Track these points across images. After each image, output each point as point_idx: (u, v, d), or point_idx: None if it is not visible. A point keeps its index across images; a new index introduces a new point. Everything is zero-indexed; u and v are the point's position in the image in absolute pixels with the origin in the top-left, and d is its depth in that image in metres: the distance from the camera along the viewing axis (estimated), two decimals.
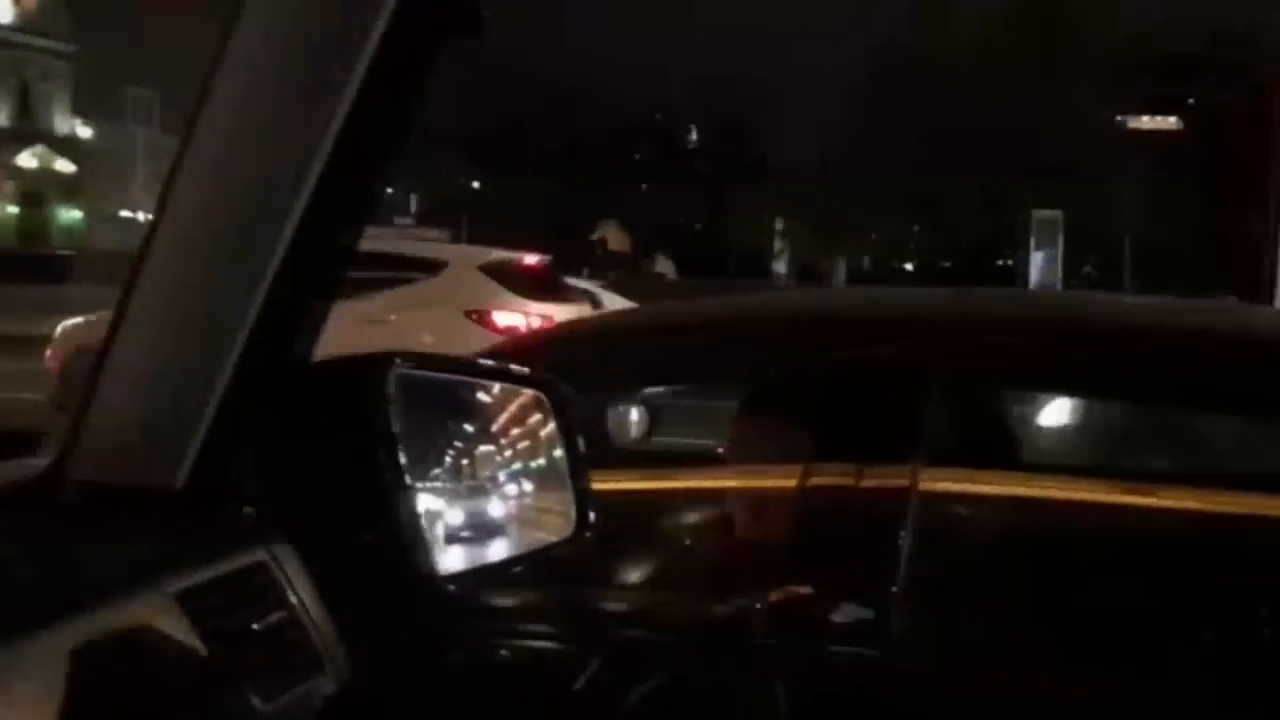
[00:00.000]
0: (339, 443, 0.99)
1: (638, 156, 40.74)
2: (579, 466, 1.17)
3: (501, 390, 1.18)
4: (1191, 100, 39.93)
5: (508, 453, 1.15)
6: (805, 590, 1.92)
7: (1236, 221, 35.44)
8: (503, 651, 1.61)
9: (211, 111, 0.90)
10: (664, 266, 21.13)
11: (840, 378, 1.64)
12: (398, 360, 1.00)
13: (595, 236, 19.76)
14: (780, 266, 34.68)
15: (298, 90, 0.90)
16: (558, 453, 1.17)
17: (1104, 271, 34.16)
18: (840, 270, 34.54)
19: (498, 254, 9.67)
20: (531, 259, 9.64)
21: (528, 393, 1.18)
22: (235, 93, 0.90)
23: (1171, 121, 38.47)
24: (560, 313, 9.35)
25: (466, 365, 1.25)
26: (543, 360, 1.59)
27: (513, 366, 1.26)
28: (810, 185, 32.46)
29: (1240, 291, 20.32)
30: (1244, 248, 33.39)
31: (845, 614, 1.59)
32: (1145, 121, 38.13)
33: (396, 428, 0.96)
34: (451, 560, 1.05)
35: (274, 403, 0.98)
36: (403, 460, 0.96)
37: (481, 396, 1.16)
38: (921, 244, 38.16)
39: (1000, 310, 2.02)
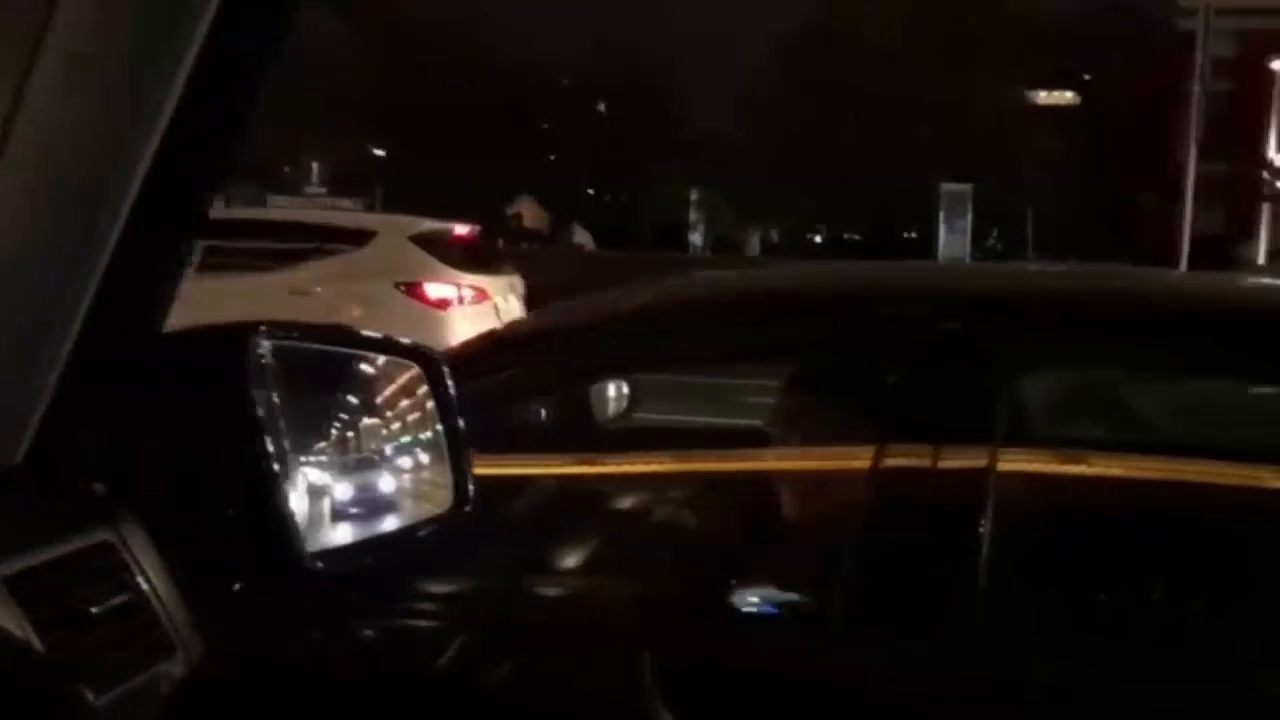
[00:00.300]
0: (199, 416, 0.95)
1: (546, 126, 40.36)
2: (458, 440, 1.15)
3: (382, 362, 1.15)
4: (1087, 76, 40.98)
5: (390, 427, 1.12)
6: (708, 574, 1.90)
7: (1134, 193, 36.65)
8: (366, 631, 1.57)
9: (45, 66, 0.80)
10: (582, 238, 20.98)
11: (915, 355, 1.58)
12: (263, 329, 0.96)
13: (512, 211, 19.52)
14: (696, 238, 34.76)
15: (139, 43, 0.82)
16: (438, 426, 1.14)
17: (1007, 243, 34.94)
18: (754, 242, 34.80)
19: (428, 224, 9.46)
20: (462, 229, 9.46)
21: (406, 364, 1.15)
22: (71, 45, 0.80)
23: (1069, 96, 39.37)
24: (492, 284, 9.20)
25: (341, 335, 1.22)
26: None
27: (391, 337, 1.20)
28: (724, 156, 32.56)
29: (1139, 261, 20.93)
30: (1141, 218, 34.65)
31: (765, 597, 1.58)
32: (1044, 96, 38.96)
33: (261, 399, 0.93)
34: (328, 537, 1.02)
35: (125, 376, 0.93)
36: (276, 434, 0.93)
37: (363, 368, 1.13)
38: (832, 216, 38.58)
39: (1073, 286, 1.99)
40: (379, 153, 37.81)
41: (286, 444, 0.95)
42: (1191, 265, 17.18)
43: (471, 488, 1.14)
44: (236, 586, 1.00)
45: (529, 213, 19.75)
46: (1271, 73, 22.11)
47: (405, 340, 1.19)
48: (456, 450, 1.14)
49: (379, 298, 8.63)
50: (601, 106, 42.26)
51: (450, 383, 1.16)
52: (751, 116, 32.84)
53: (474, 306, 8.79)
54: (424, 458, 1.14)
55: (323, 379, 1.07)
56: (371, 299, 8.64)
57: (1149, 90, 36.12)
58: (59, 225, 0.85)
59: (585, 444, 3.06)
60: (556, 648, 1.59)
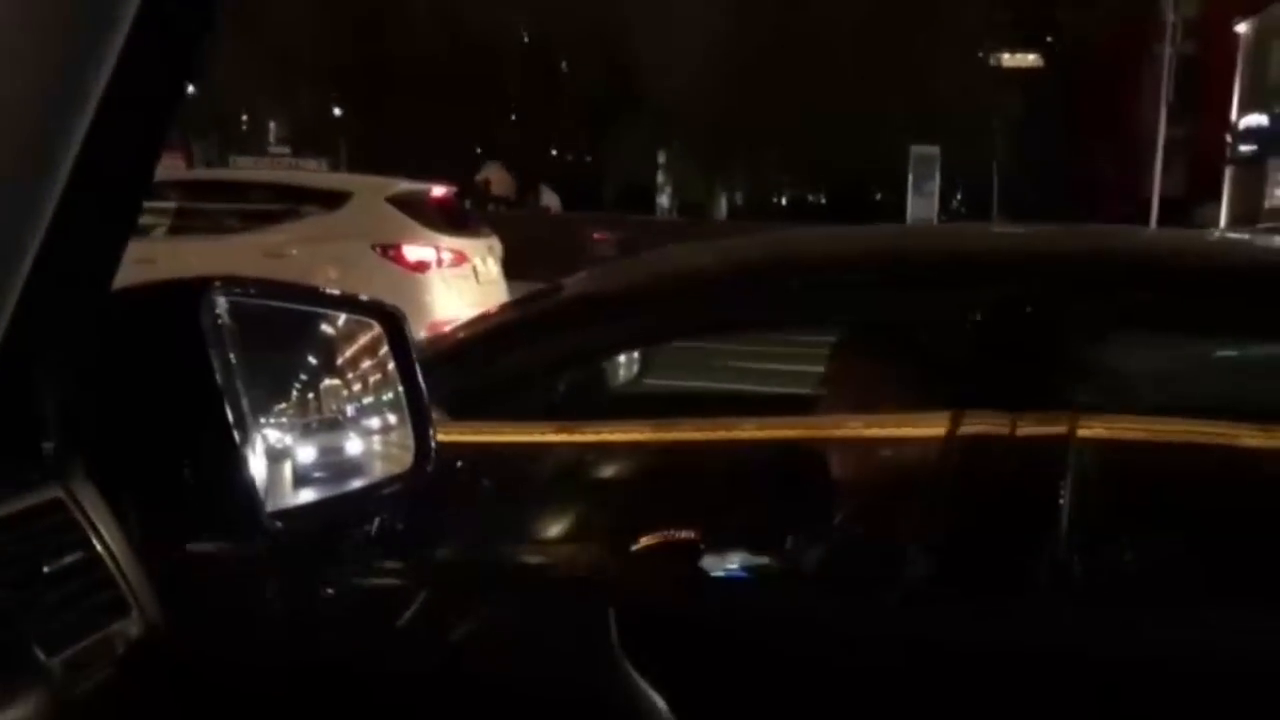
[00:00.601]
0: (151, 373, 0.94)
1: (509, 87, 39.90)
2: (419, 399, 1.14)
3: (343, 320, 1.13)
4: (1049, 38, 41.12)
5: (351, 387, 1.11)
6: (683, 536, 1.88)
7: (1097, 156, 36.91)
8: (327, 589, 1.55)
9: None
10: (549, 199, 20.78)
11: (988, 320, 1.54)
12: (217, 284, 0.94)
13: (480, 178, 19.34)
14: (664, 200, 34.61)
15: (77, 1, 0.78)
16: (399, 386, 1.13)
17: (971, 205, 35.10)
18: (721, 205, 34.69)
19: (405, 185, 9.29)
20: (439, 190, 9.30)
21: (367, 322, 1.13)
22: (6, 6, 0.76)
23: (1032, 58, 39.51)
24: (471, 246, 9.08)
25: (300, 292, 1.19)
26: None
27: (351, 294, 1.19)
28: (691, 118, 32.37)
29: (1105, 221, 21.07)
30: (1105, 181, 34.91)
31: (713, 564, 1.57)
32: (1008, 58, 39.07)
33: (218, 356, 0.91)
34: (288, 498, 1.00)
35: (73, 333, 0.92)
36: (233, 393, 0.92)
37: (324, 327, 1.12)
38: (799, 179, 38.55)
39: (1143, 249, 1.95)
40: (338, 112, 37.27)
41: (245, 404, 0.93)
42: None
43: (433, 446, 1.13)
44: (194, 546, 1.00)
45: (496, 179, 19.55)
46: (1235, 35, 22.24)
47: (366, 297, 1.17)
48: (417, 410, 1.14)
49: (356, 260, 8.49)
50: (565, 66, 41.85)
51: (411, 340, 1.14)
52: (716, 79, 32.64)
53: (453, 269, 8.67)
54: (386, 418, 1.13)
55: (281, 337, 1.05)
56: (348, 261, 8.49)
57: (1113, 53, 36.32)
58: (4, 179, 0.80)
59: (600, 411, 3.03)
60: (523, 605, 1.60)
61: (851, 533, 1.71)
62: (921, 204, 23.14)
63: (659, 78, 33.30)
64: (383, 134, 32.48)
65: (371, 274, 8.48)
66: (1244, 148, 24.10)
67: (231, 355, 0.92)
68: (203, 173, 17.43)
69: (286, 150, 28.00)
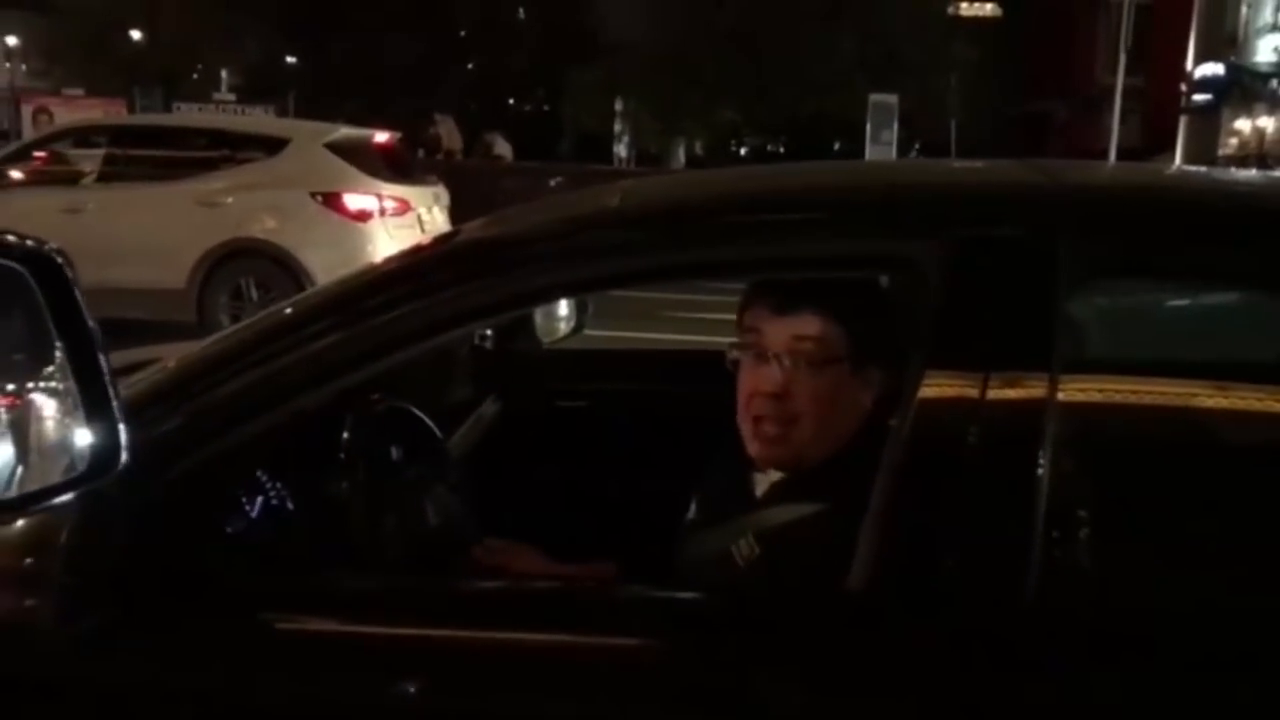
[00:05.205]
0: None
1: (463, 34, 39.09)
2: (93, 370, 0.84)
3: None
4: None
5: (10, 358, 0.87)
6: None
7: (1052, 104, 36.86)
8: None
9: None
10: (502, 149, 20.32)
11: (957, 263, 1.32)
12: None
13: (431, 131, 18.86)
14: (621, 149, 34.09)
15: None
16: (58, 352, 0.84)
17: (930, 154, 34.94)
18: (679, 154, 34.24)
19: (345, 131, 8.96)
20: (382, 136, 8.98)
21: (6, 267, 0.85)
22: None
23: (990, 8, 39.31)
24: (416, 194, 8.78)
25: None
26: None
27: None
28: (648, 67, 31.89)
29: None
30: (1059, 129, 34.85)
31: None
32: (966, 7, 38.85)
33: None
34: None
35: None
36: None
37: None
38: (757, 128, 38.18)
39: (1145, 183, 1.74)
40: (290, 60, 36.35)
41: None
42: None
43: (122, 436, 0.85)
44: None
45: (446, 132, 19.08)
46: None
47: (2, 234, 0.89)
48: (91, 385, 0.84)
49: (294, 209, 8.18)
50: (521, 13, 41.06)
51: (76, 291, 0.85)
52: (673, 25, 32.16)
53: (396, 219, 8.38)
54: (53, 402, 0.85)
55: None
56: (286, 210, 8.18)
57: (1068, 2, 36.18)
58: None
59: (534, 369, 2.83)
60: None
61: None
62: (880, 152, 22.96)
63: (617, 25, 32.82)
64: (332, 82, 31.75)
65: (310, 223, 8.18)
66: (1198, 97, 24.10)
67: None
68: (135, 118, 16.88)
69: (231, 98, 27.23)
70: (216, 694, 1.32)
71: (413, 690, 1.30)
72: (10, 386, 0.88)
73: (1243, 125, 27.21)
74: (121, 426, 0.85)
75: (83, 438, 0.86)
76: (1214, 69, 22.66)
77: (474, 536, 1.87)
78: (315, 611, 1.37)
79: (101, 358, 0.85)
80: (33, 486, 0.88)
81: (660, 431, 2.33)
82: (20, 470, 0.87)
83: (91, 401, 0.85)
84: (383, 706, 1.31)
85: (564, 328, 2.94)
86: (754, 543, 1.49)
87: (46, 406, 0.89)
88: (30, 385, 0.89)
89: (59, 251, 0.86)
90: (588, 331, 2.95)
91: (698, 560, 1.59)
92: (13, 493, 0.87)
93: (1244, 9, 26.33)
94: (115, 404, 0.85)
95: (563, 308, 2.91)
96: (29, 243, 0.87)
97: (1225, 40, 25.03)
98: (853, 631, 1.26)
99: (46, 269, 0.85)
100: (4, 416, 0.86)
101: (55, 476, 0.88)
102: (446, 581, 1.55)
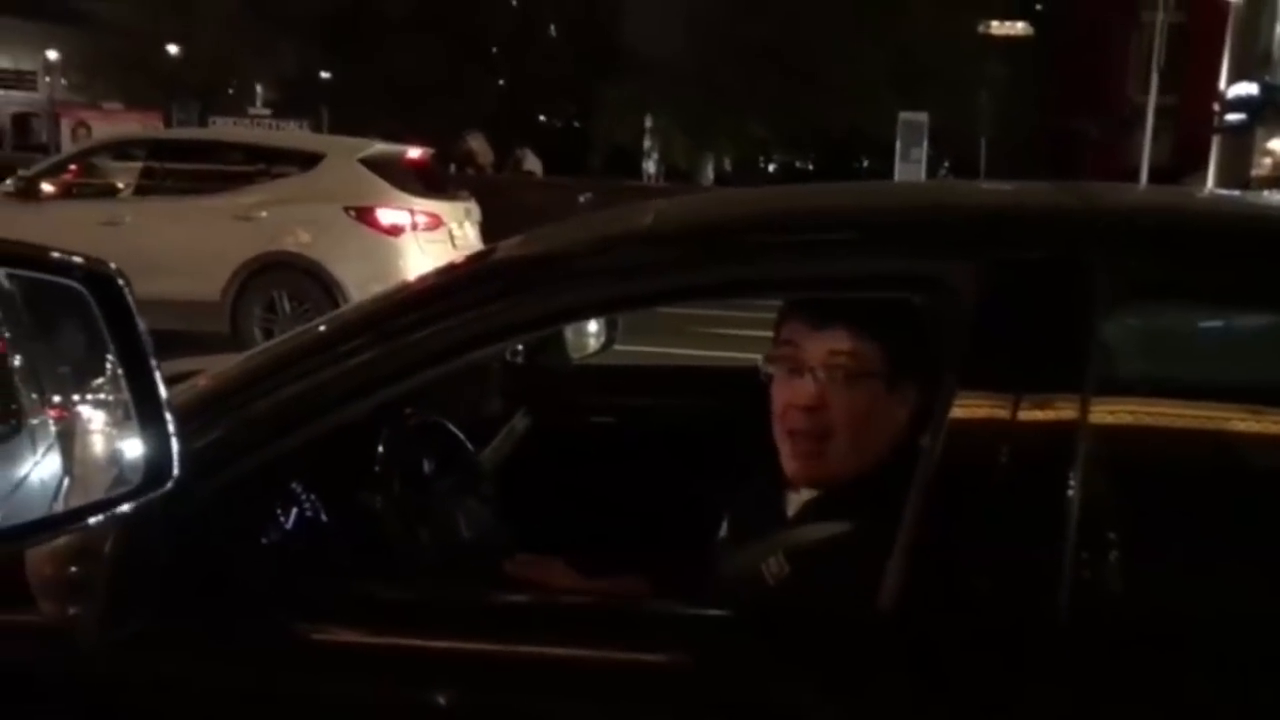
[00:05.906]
0: None
1: (494, 50, 39.38)
2: (148, 387, 0.87)
3: (32, 283, 0.88)
4: (1039, 6, 40.80)
5: (50, 375, 0.89)
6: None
7: (1084, 124, 36.64)
8: None
9: None
10: (532, 164, 20.42)
11: (990, 284, 1.33)
12: None
13: (464, 146, 19.00)
14: (650, 165, 34.21)
15: None
16: (117, 368, 0.88)
17: (959, 173, 34.85)
18: (707, 170, 34.33)
19: (379, 146, 9.03)
20: (415, 152, 9.05)
21: (66, 285, 0.87)
22: None
23: (1020, 26, 39.24)
24: (447, 210, 8.85)
25: None
26: None
27: (45, 247, 0.91)
28: (678, 83, 32.01)
29: None
30: (1091, 149, 34.64)
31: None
32: (997, 26, 38.78)
33: None
34: None
35: None
36: None
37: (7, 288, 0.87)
38: (787, 145, 38.22)
39: (1177, 205, 1.74)
40: (325, 75, 36.72)
41: None
42: None
43: (174, 451, 0.87)
44: None
45: (479, 148, 19.19)
46: (1225, 3, 21.99)
47: (65, 253, 0.90)
48: (146, 402, 0.87)
49: (327, 223, 8.26)
50: (553, 30, 41.31)
51: (134, 310, 0.88)
52: (704, 41, 32.27)
53: (428, 233, 8.45)
54: (101, 415, 0.88)
55: None
56: (319, 224, 8.26)
57: (1101, 21, 36.01)
58: None
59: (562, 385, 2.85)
60: None
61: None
62: (909, 170, 22.94)
63: (647, 42, 32.93)
64: (365, 97, 32.04)
65: (344, 237, 8.26)
66: (1231, 117, 23.91)
67: None
68: (172, 132, 17.11)
69: (267, 112, 27.52)
70: (251, 703, 1.34)
71: (443, 701, 1.32)
72: (57, 399, 0.89)
73: (1276, 145, 26.92)
74: (175, 441, 0.87)
75: (133, 450, 0.88)
76: (1247, 88, 22.43)
77: (505, 549, 1.89)
78: (349, 622, 1.39)
79: (157, 374, 0.87)
80: (79, 500, 0.89)
81: (690, 447, 2.34)
82: (67, 482, 0.88)
83: (146, 416, 0.87)
84: (413, 717, 1.32)
85: (594, 343, 2.95)
86: (784, 561, 1.50)
87: (94, 419, 0.91)
88: (77, 398, 0.90)
89: (119, 272, 0.89)
90: (618, 347, 2.96)
91: (729, 579, 1.59)
92: (60, 506, 0.88)
93: (1278, 29, 26.12)
94: (170, 419, 0.88)
95: (593, 324, 2.92)
96: (89, 261, 0.89)
97: (1259, 60, 24.79)
98: (883, 651, 1.27)
99: (107, 288, 0.88)
100: (54, 429, 0.87)
101: (101, 490, 0.90)
102: (478, 593, 1.56)
